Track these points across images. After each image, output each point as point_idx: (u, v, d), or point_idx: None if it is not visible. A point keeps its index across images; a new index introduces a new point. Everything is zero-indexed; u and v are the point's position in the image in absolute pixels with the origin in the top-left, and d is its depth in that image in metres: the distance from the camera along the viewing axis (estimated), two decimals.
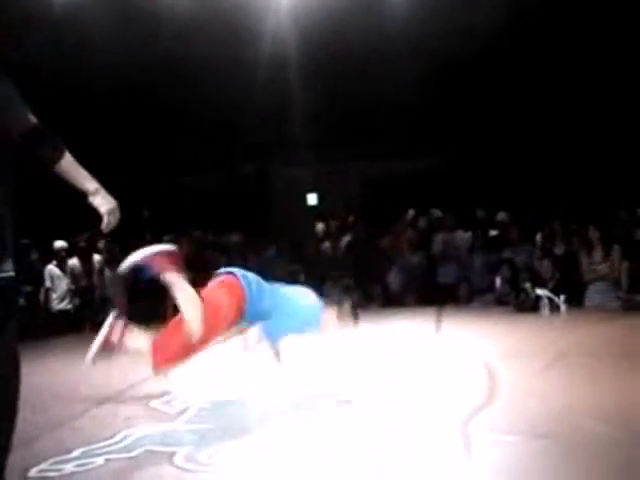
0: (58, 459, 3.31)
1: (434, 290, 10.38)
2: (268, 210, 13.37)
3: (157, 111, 11.66)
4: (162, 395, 4.70)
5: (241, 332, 4.59)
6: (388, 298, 10.69)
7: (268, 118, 11.96)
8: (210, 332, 4.01)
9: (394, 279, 10.83)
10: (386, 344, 6.62)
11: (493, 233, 10.58)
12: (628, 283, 8.59)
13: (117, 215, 2.98)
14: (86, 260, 10.70)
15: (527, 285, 8.84)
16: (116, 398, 4.76)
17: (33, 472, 3.15)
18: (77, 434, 3.82)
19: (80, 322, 10.14)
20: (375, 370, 5.23)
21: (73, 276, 10.43)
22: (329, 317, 4.78)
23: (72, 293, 10.33)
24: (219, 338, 4.30)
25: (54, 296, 10.20)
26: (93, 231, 11.11)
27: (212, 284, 4.31)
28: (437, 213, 11.22)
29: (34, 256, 10.66)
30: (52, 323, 9.95)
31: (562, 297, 8.54)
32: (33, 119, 2.62)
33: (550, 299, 8.57)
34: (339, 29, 10.47)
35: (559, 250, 9.47)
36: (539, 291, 8.67)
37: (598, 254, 8.97)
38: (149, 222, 12.06)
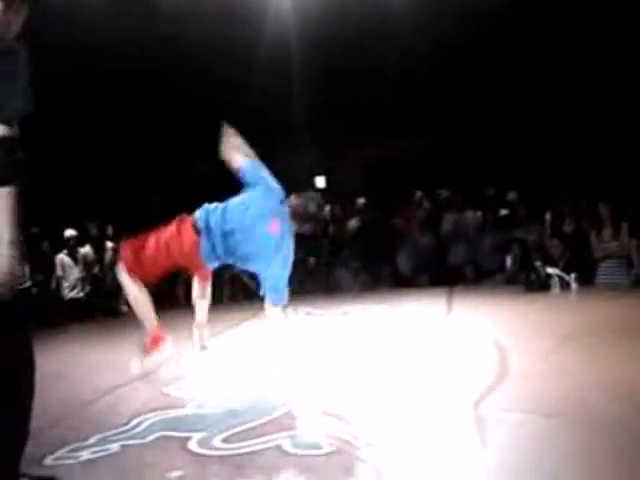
0: (74, 446, 3.34)
1: (444, 271, 10.38)
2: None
3: (159, 100, 11.64)
4: (175, 380, 4.73)
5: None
6: (398, 279, 10.70)
7: (269, 102, 11.91)
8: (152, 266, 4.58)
9: (404, 260, 10.83)
10: (396, 325, 6.64)
11: (503, 212, 10.54)
12: (639, 262, 8.56)
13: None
14: (98, 248, 10.75)
15: (537, 264, 8.81)
16: (129, 384, 4.79)
17: (49, 460, 3.19)
18: (92, 421, 3.85)
19: (92, 310, 10.22)
20: (386, 352, 5.23)
21: (85, 264, 10.47)
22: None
23: (83, 281, 10.37)
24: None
25: (65, 285, 10.25)
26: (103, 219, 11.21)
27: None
28: (445, 193, 11.19)
29: (44, 245, 10.70)
30: (63, 312, 10.02)
31: (572, 275, 8.52)
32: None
33: (561, 278, 8.55)
34: (338, 12, 10.41)
35: (569, 229, 9.44)
36: (549, 270, 8.65)
37: (608, 232, 8.93)
38: (160, 209, 12.07)
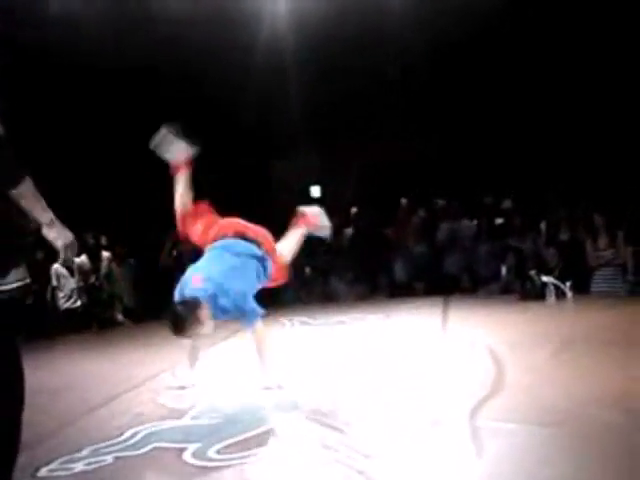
0: (68, 458, 3.33)
1: (440, 279, 10.39)
2: (270, 202, 13.29)
3: (156, 105, 11.65)
4: (170, 391, 4.72)
5: None
6: (394, 288, 10.70)
7: (266, 110, 11.93)
8: None
9: (400, 269, 10.83)
10: (392, 335, 6.63)
11: (498, 221, 10.56)
12: (633, 269, 8.58)
13: (75, 249, 2.76)
14: (94, 257, 10.73)
15: (533, 273, 8.82)
16: (124, 395, 4.78)
17: (43, 471, 3.18)
18: (86, 432, 3.84)
19: (87, 320, 10.19)
20: (382, 361, 5.23)
21: (82, 274, 10.44)
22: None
23: (79, 291, 10.34)
24: None
25: (60, 295, 10.21)
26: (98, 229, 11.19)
27: None
28: (441, 202, 11.21)
29: (39, 255, 10.66)
30: (59, 322, 9.99)
31: (568, 284, 8.52)
32: None
33: (556, 286, 8.54)
34: (335, 15, 10.45)
35: (564, 237, 9.45)
36: (545, 278, 8.65)
37: (603, 240, 8.95)
38: (155, 216, 12.04)
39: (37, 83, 10.54)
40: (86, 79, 10.95)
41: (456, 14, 10.27)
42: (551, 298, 8.49)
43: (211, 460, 3.15)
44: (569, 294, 8.47)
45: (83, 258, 10.59)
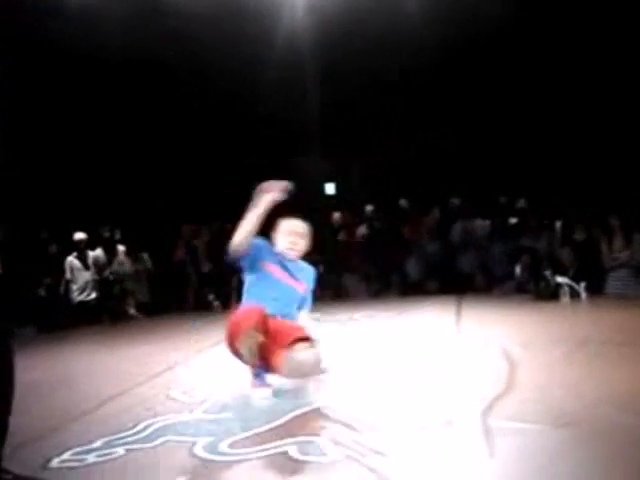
0: (79, 449, 3.33)
1: (454, 278, 10.36)
2: (285, 200, 13.26)
3: (170, 104, 11.67)
4: (182, 385, 4.73)
5: None
6: (407, 287, 10.68)
7: (281, 110, 11.92)
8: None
9: (413, 268, 10.81)
10: (405, 333, 6.62)
11: (513, 221, 10.52)
12: None
13: None
14: (109, 251, 10.78)
15: (547, 273, 8.78)
16: (137, 388, 4.79)
17: (55, 463, 3.18)
18: (98, 425, 3.84)
19: (100, 313, 10.24)
20: (394, 360, 5.21)
21: (97, 267, 10.49)
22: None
23: (93, 284, 10.38)
24: None
25: (74, 288, 10.27)
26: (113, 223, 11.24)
27: None
28: (456, 201, 11.18)
29: (53, 248, 10.73)
30: (72, 315, 10.04)
31: (582, 284, 8.48)
32: None
33: (570, 287, 8.51)
34: (349, 14, 10.44)
35: (579, 237, 9.39)
36: (559, 279, 8.62)
37: (618, 242, 8.89)
38: (165, 211, 12.08)
39: (52, 78, 10.58)
40: (105, 73, 11.00)
41: (469, 17, 10.26)
42: (565, 298, 8.46)
43: (222, 454, 3.15)
44: (583, 295, 8.43)
45: (98, 251, 10.64)
